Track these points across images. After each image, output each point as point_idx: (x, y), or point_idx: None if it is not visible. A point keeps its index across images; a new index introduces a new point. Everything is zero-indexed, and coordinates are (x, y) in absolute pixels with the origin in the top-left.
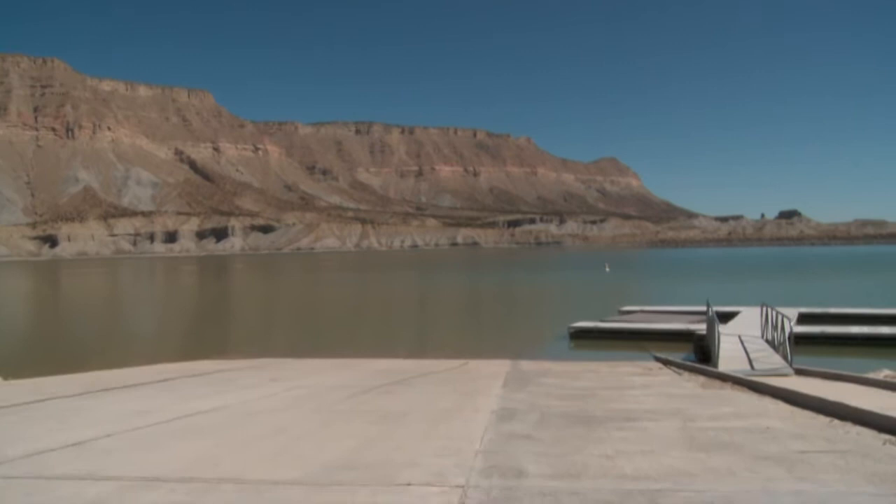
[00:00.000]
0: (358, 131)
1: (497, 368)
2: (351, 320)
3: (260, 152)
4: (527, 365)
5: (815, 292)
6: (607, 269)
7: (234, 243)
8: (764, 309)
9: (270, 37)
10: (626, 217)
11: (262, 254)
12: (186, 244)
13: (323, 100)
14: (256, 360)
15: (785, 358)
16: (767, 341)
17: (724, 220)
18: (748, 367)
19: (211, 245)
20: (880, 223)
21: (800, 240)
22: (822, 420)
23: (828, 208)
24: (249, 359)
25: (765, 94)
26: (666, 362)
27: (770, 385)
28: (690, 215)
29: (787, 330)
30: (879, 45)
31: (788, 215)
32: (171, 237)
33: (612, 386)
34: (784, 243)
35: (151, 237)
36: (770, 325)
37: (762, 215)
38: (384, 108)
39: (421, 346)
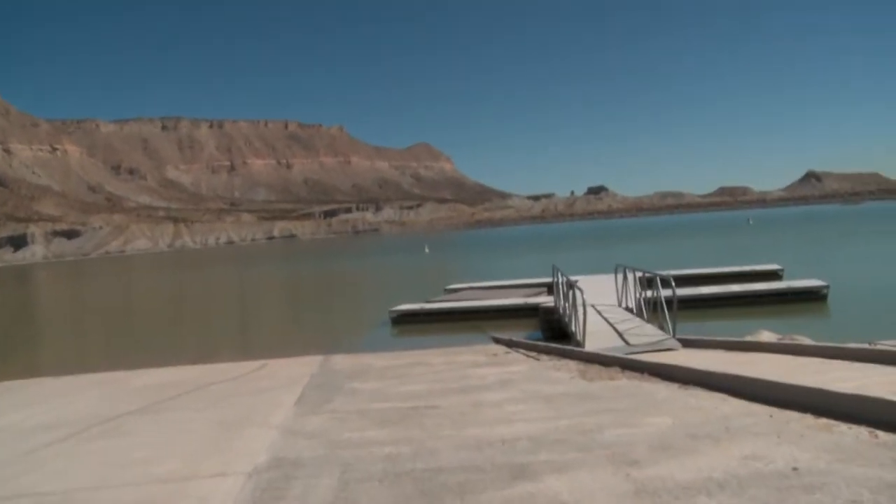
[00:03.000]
0: (164, 127)
1: (301, 369)
2: (148, 323)
3: (58, 153)
4: (340, 361)
5: (644, 257)
6: (427, 251)
7: (36, 251)
8: (620, 273)
9: (63, 31)
10: (442, 201)
11: (67, 260)
12: None
13: (125, 95)
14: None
15: (662, 328)
16: (628, 309)
17: (536, 198)
18: (621, 342)
19: (8, 255)
20: (678, 195)
21: (609, 213)
22: (793, 415)
23: (632, 183)
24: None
25: (571, 76)
26: (510, 343)
27: (674, 366)
28: (504, 196)
29: (663, 293)
30: (676, 30)
31: (596, 191)
32: None
33: (455, 387)
34: (595, 217)
35: None
36: (630, 292)
37: (572, 192)
38: (191, 103)
39: (219, 346)
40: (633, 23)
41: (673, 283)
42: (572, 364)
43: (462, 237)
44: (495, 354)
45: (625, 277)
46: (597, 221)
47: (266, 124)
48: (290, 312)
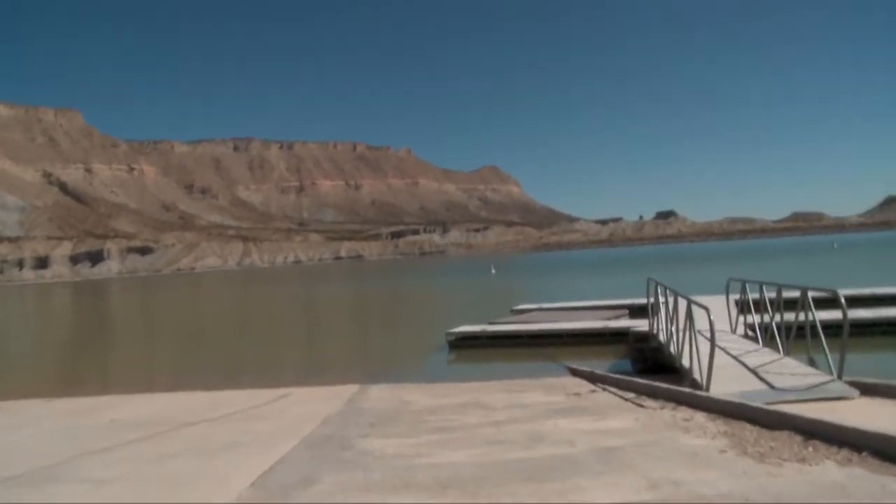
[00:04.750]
0: (236, 148)
1: (319, 407)
2: (197, 339)
3: (135, 172)
4: (375, 395)
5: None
6: (493, 271)
7: (111, 266)
8: (732, 289)
9: (140, 53)
10: (509, 224)
11: (140, 276)
12: (59, 269)
13: (199, 117)
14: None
15: (811, 364)
16: (747, 337)
17: (603, 222)
18: (760, 384)
19: (86, 270)
20: (749, 220)
21: (678, 238)
22: None
23: (701, 208)
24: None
25: (640, 99)
26: (592, 377)
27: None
28: (572, 219)
29: (818, 316)
30: (748, 54)
31: (665, 215)
32: (41, 263)
33: (523, 462)
34: (664, 241)
35: (20, 264)
36: (754, 315)
37: (640, 217)
38: (262, 124)
39: (256, 366)
40: (703, 45)
41: (843, 302)
42: (701, 418)
43: (529, 259)
44: (577, 394)
45: (743, 295)
46: (667, 246)
47: (335, 146)
48: (344, 331)
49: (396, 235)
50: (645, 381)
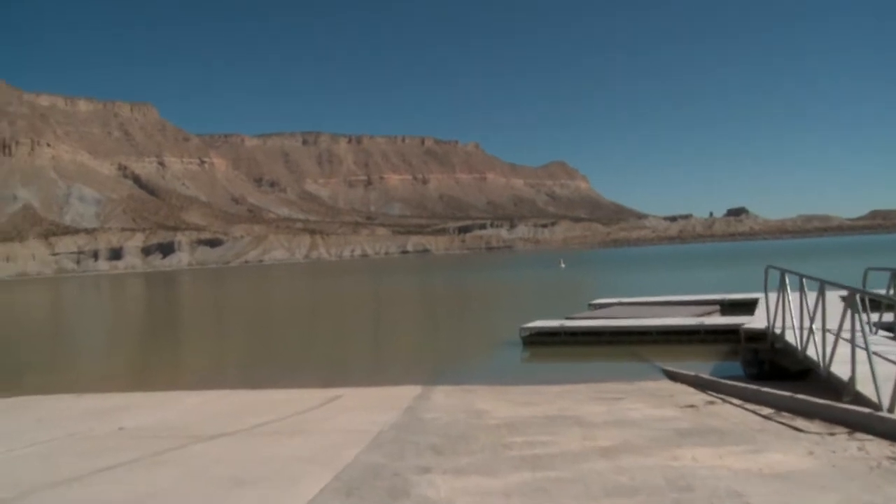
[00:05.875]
0: (305, 142)
1: (372, 417)
2: (259, 331)
3: (206, 165)
4: (440, 402)
5: (845, 272)
6: (562, 265)
7: (182, 258)
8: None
9: (213, 49)
10: (577, 219)
11: (209, 268)
12: (132, 261)
13: (269, 111)
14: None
15: None
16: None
17: (673, 219)
18: None
19: (157, 261)
20: (825, 217)
21: (751, 235)
22: None
23: (774, 205)
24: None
25: (710, 95)
26: (699, 384)
27: None
28: (640, 216)
29: None
30: (820, 47)
31: (737, 213)
32: (115, 254)
33: None
34: (736, 238)
35: (95, 255)
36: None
37: (710, 214)
38: (331, 118)
39: (314, 360)
40: (776, 44)
41: None
42: None
43: (598, 255)
44: (692, 406)
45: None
46: (740, 243)
47: (403, 140)
48: (409, 326)
49: (463, 230)
50: (783, 391)
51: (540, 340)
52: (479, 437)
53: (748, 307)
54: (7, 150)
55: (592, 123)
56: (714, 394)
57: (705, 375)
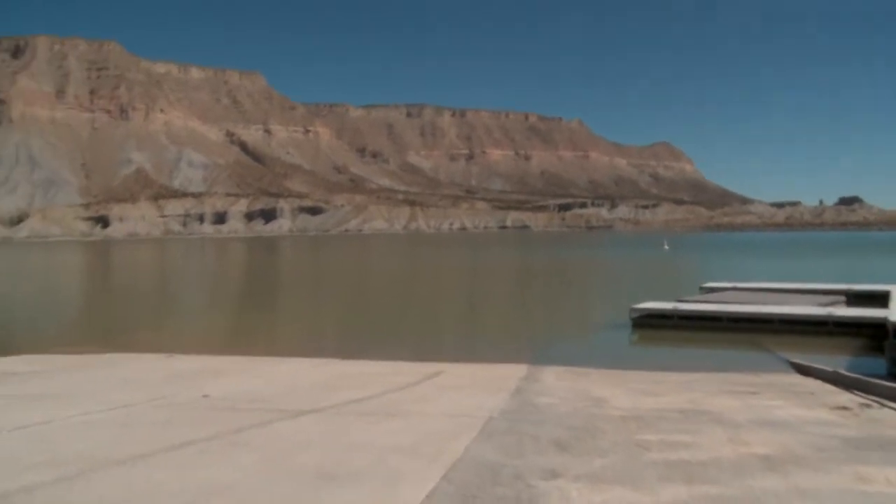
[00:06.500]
0: (409, 114)
1: (478, 399)
2: (360, 300)
3: (310, 134)
4: (551, 384)
5: None
6: (666, 247)
7: (283, 224)
8: None
9: (321, 18)
10: (679, 202)
11: (309, 235)
12: (235, 225)
13: (374, 82)
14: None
15: None
16: None
17: (780, 205)
18: None
19: (259, 226)
20: None
21: (863, 225)
22: None
23: (888, 195)
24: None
25: (823, 81)
26: (841, 381)
27: None
28: (745, 201)
29: None
30: None
31: (849, 202)
32: (220, 218)
33: None
34: (848, 228)
35: (201, 218)
36: None
37: (820, 201)
38: (436, 91)
39: (412, 333)
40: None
41: None
42: None
43: (701, 238)
44: (844, 407)
45: None
46: (852, 233)
47: (507, 115)
48: (510, 301)
49: (563, 208)
50: None
51: (651, 323)
52: (606, 431)
53: (879, 300)
54: (124, 115)
55: (701, 105)
56: (863, 395)
57: (847, 372)
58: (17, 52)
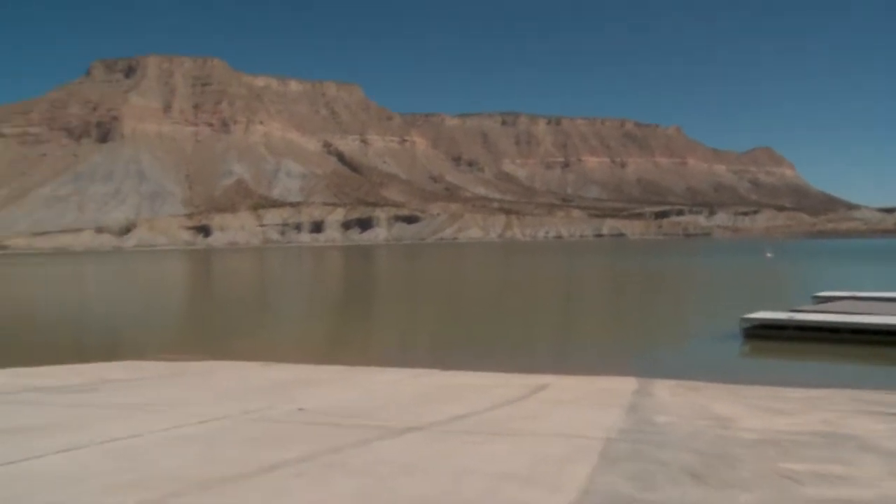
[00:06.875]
0: (504, 122)
1: (590, 415)
2: (449, 308)
3: (406, 144)
4: (665, 400)
5: None
6: (769, 255)
7: (379, 233)
8: None
9: (417, 29)
10: (781, 208)
11: (405, 244)
12: (332, 234)
13: (469, 91)
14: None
15: None
16: None
17: (888, 211)
18: None
19: (356, 235)
20: None
21: None
22: None
23: None
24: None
25: None
26: None
27: None
28: (850, 207)
29: None
30: None
31: None
32: (317, 227)
33: None
34: None
35: (298, 227)
36: None
37: None
38: (530, 99)
39: (512, 341)
40: None
41: None
42: None
43: (805, 245)
44: None
45: None
46: None
47: (602, 122)
48: (610, 309)
49: (660, 215)
50: None
51: (763, 333)
52: (743, 458)
53: None
54: (226, 129)
55: (802, 108)
56: None
57: None
58: (129, 73)
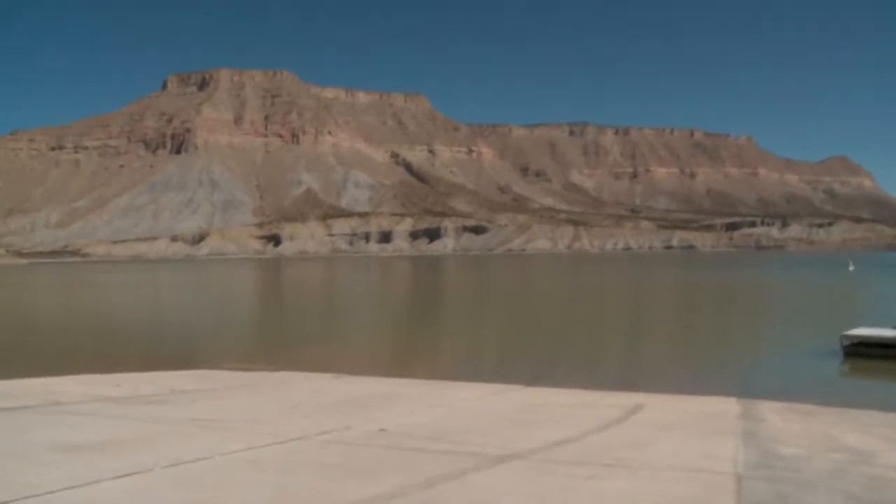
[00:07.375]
0: (571, 132)
1: (703, 445)
2: (523, 321)
3: (474, 154)
4: (779, 421)
5: None
6: (851, 268)
7: (447, 244)
8: None
9: (483, 40)
10: (858, 220)
11: (472, 254)
12: (400, 244)
13: (536, 101)
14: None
15: None
16: None
17: None
18: None
19: (423, 245)
20: None
21: None
22: None
23: None
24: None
25: None
26: None
27: None
28: None
29: None
30: None
31: None
32: (385, 237)
33: None
34: None
35: (367, 237)
36: None
37: None
38: (598, 109)
39: (580, 354)
40: None
41: None
42: None
43: (887, 258)
44: None
45: None
46: None
47: (671, 132)
48: (692, 323)
49: (731, 227)
50: None
51: (864, 352)
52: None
53: None
54: (296, 139)
55: (879, 115)
56: None
57: None
58: (202, 85)
